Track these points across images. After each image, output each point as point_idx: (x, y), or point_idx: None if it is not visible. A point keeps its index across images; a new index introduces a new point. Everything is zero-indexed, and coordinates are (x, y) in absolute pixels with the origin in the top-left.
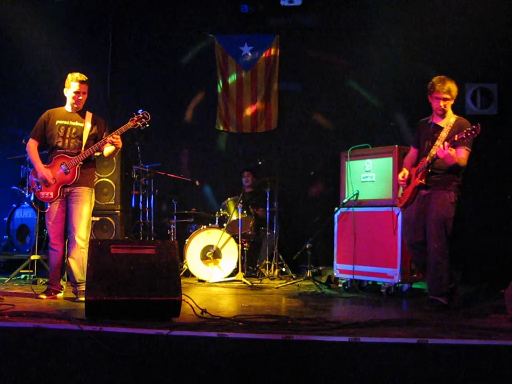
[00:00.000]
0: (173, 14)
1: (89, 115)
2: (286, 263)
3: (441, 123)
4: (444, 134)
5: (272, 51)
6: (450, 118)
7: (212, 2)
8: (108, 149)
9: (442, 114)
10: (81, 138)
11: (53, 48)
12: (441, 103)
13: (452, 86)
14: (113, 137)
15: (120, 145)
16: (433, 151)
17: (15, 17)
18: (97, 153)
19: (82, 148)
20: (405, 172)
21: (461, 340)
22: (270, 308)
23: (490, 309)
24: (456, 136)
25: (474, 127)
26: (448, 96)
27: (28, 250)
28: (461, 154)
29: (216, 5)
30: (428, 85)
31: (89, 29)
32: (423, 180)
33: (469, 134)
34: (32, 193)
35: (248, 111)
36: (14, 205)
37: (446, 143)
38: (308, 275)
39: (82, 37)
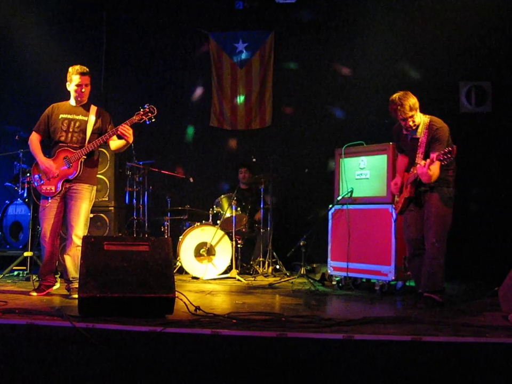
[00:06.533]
0: (167, 10)
1: (93, 108)
2: (280, 260)
3: (418, 133)
4: (423, 139)
5: (267, 48)
6: (423, 120)
7: None
8: (115, 143)
9: (416, 129)
10: (84, 133)
11: (46, 44)
12: (410, 122)
13: (411, 102)
14: (124, 128)
15: (131, 139)
16: (419, 161)
17: (7, 12)
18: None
19: (86, 142)
20: (397, 180)
21: (455, 338)
22: (263, 305)
23: (484, 306)
24: (435, 156)
25: (450, 149)
26: (413, 113)
27: (21, 247)
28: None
29: (211, 1)
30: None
31: (83, 25)
32: (412, 193)
33: (445, 157)
34: (25, 190)
35: (243, 108)
36: (7, 201)
37: (427, 161)
38: (301, 272)
39: (76, 33)
